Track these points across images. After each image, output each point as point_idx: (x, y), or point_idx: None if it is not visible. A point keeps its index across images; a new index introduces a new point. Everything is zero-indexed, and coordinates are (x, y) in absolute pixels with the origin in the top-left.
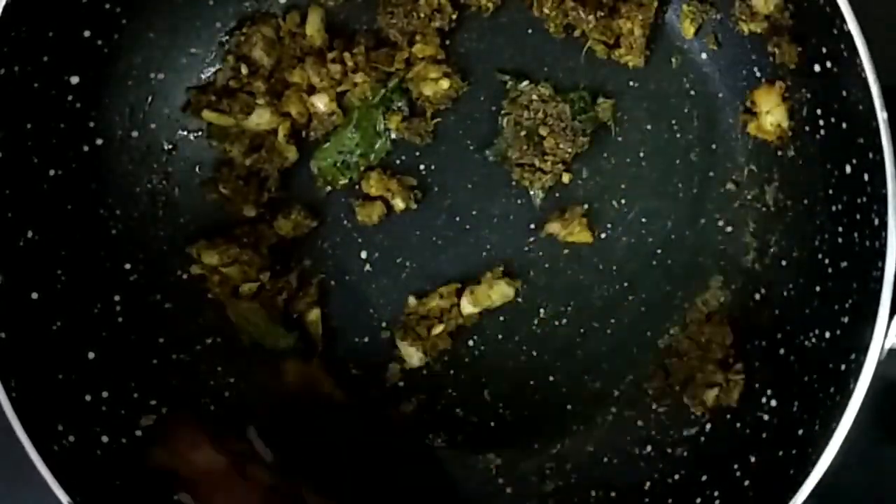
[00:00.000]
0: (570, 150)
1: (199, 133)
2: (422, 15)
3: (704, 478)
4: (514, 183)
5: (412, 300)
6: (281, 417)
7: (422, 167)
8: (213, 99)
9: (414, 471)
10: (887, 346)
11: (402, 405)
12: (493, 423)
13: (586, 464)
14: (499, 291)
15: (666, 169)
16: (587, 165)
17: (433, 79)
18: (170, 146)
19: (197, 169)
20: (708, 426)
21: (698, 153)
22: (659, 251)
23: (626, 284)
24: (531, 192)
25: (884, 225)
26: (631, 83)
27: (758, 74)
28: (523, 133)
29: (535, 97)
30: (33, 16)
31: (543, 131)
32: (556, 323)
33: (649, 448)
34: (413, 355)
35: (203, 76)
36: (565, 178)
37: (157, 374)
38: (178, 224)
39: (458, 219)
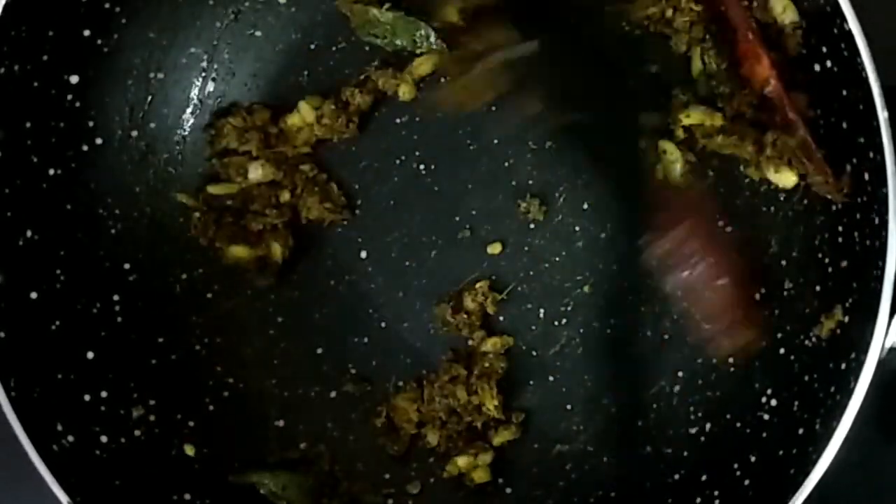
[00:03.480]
0: None
1: (199, 133)
2: None
3: (704, 478)
4: (513, 183)
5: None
6: None
7: None
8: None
9: None
10: (887, 346)
11: None
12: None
13: (586, 464)
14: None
15: None
16: None
17: None
18: (170, 146)
19: (198, 169)
20: (708, 426)
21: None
22: None
23: (625, 285)
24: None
25: (884, 225)
26: None
27: None
28: None
29: None
30: (33, 16)
31: None
32: (556, 323)
33: (649, 448)
34: None
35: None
36: None
37: (157, 374)
38: (179, 224)
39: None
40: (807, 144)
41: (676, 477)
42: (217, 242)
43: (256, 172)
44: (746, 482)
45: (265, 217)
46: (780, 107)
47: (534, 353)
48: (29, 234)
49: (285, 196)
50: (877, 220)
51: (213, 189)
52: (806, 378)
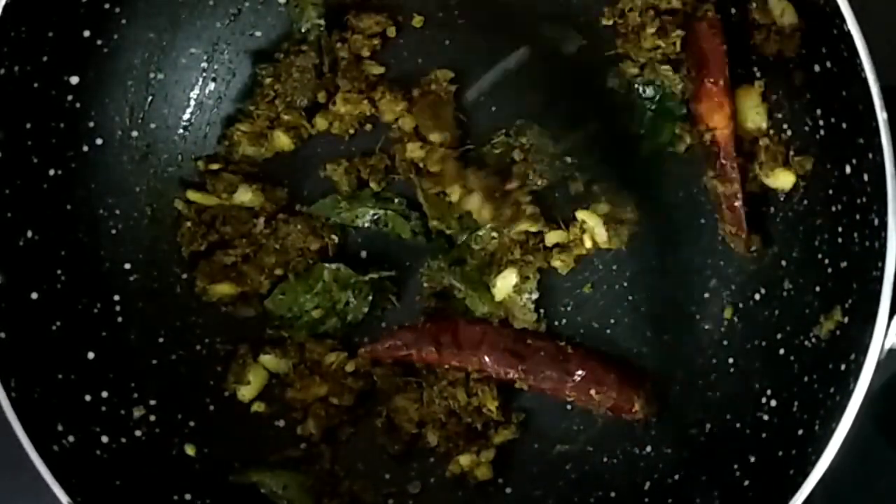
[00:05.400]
0: None
1: (199, 133)
2: None
3: (704, 478)
4: None
5: None
6: None
7: None
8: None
9: None
10: (887, 346)
11: None
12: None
13: (586, 464)
14: None
15: None
16: None
17: None
18: (170, 146)
19: (199, 166)
20: (708, 426)
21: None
22: (658, 252)
23: (625, 285)
24: None
25: (884, 225)
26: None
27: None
28: None
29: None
30: (33, 16)
31: None
32: (556, 323)
33: (649, 448)
34: None
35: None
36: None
37: (158, 374)
38: (179, 224)
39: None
40: (734, 197)
41: (676, 477)
42: (199, 283)
43: (245, 196)
44: (746, 482)
45: (234, 249)
46: (722, 155)
47: None
48: (29, 234)
49: (259, 225)
50: (876, 222)
51: (191, 195)
52: (805, 379)
